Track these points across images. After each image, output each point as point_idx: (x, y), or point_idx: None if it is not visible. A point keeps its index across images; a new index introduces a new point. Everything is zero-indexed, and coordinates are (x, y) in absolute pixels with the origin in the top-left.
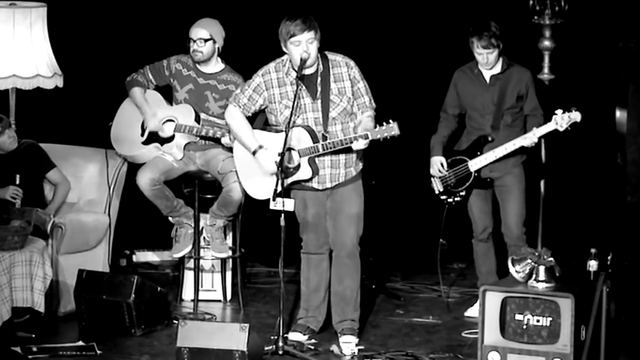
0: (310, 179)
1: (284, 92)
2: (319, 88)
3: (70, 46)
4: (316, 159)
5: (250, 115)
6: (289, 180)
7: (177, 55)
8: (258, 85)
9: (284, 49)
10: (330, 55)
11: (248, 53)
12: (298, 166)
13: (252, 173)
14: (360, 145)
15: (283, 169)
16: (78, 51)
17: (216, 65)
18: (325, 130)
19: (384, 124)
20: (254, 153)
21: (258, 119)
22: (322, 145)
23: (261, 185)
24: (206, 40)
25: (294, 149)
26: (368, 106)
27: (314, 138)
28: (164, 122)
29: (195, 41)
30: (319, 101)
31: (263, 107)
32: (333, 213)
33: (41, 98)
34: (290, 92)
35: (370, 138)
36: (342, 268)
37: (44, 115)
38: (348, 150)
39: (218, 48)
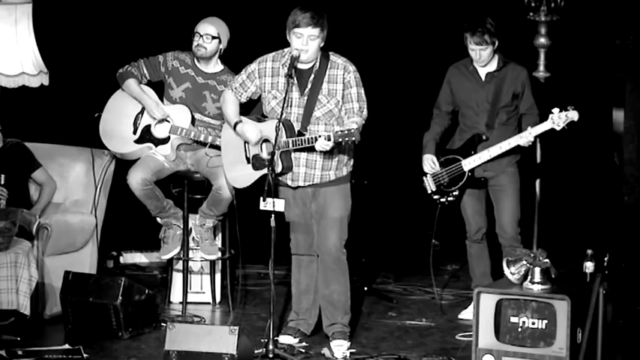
0: (282, 174)
1: (275, 82)
2: (309, 85)
3: (55, 43)
4: (292, 156)
5: (243, 100)
6: (262, 171)
7: (174, 52)
8: (252, 71)
9: (287, 38)
10: (333, 57)
11: (244, 55)
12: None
13: (234, 160)
14: (321, 145)
15: (258, 159)
16: (64, 48)
17: (216, 66)
18: (305, 128)
19: (347, 129)
20: (234, 128)
21: (256, 109)
22: (291, 141)
23: (241, 174)
24: (213, 38)
25: (270, 141)
26: (356, 113)
27: (290, 133)
28: (157, 122)
29: (202, 36)
30: (306, 98)
31: (256, 94)
32: (316, 216)
33: (26, 96)
34: (281, 84)
35: (332, 140)
36: (328, 272)
37: (29, 113)
38: (326, 152)
39: (221, 49)
